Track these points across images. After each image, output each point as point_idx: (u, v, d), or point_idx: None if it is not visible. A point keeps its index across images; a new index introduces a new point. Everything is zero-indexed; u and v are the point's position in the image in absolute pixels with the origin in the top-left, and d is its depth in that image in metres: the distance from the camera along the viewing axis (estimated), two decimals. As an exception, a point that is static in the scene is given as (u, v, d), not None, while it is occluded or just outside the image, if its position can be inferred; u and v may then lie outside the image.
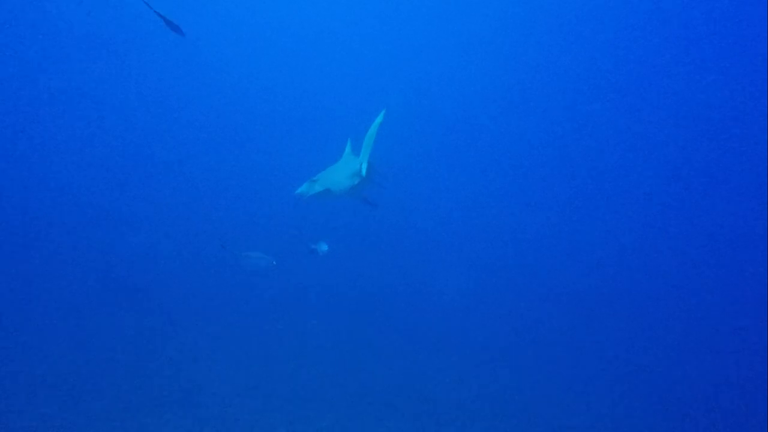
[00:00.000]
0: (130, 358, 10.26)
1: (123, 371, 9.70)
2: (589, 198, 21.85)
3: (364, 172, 7.87)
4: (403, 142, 20.87)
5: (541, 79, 23.33)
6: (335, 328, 12.81)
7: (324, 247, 8.52)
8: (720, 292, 18.11)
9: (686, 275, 18.88)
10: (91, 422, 7.99)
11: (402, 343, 12.54)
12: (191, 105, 21.13)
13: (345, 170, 8.14)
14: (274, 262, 8.80)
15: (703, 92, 21.81)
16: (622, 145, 22.56)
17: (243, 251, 8.98)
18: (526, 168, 22.72)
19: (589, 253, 19.38)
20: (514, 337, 13.82)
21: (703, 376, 12.70)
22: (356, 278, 15.26)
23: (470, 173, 22.36)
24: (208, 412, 8.77)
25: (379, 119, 7.80)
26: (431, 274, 16.58)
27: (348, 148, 8.46)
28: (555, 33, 23.06)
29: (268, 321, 12.79)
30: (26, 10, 19.08)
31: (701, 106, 21.74)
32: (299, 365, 10.91)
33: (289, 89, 23.09)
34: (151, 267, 14.27)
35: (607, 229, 20.68)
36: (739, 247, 19.82)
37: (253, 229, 16.78)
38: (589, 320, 15.35)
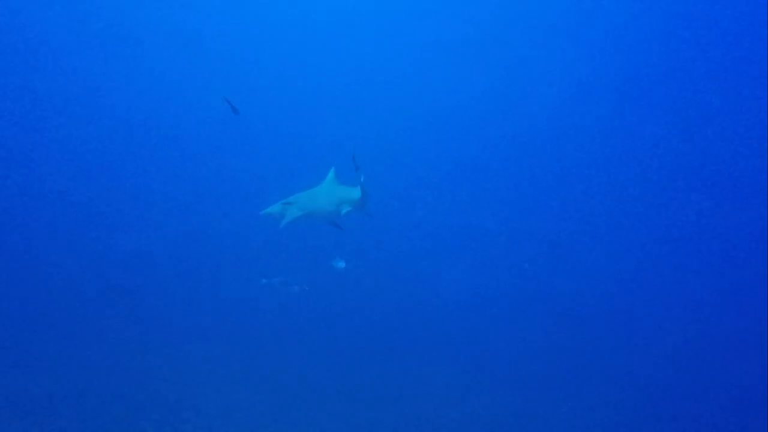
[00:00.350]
0: (119, 362, 10.10)
1: (112, 376, 9.56)
2: (587, 204, 21.81)
3: (355, 199, 8.31)
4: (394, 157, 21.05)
5: (537, 89, 23.34)
6: (331, 337, 12.62)
7: (341, 264, 8.70)
8: (721, 296, 18.02)
9: (687, 278, 18.77)
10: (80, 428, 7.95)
11: (399, 361, 12.19)
12: (182, 110, 21.20)
13: (330, 197, 8.42)
14: (306, 288, 8.85)
15: (702, 95, 21.79)
16: (622, 149, 22.53)
17: (274, 277, 8.97)
18: (521, 176, 22.70)
19: (588, 262, 19.26)
20: (509, 351, 13.52)
21: (703, 380, 12.60)
22: (351, 291, 15.09)
23: (460, 191, 22.25)
24: (199, 420, 8.70)
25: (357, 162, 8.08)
26: (423, 290, 16.46)
27: (331, 175, 8.65)
28: (552, 37, 23.09)
29: (262, 327, 12.63)
30: (23, 10, 19.18)
31: (700, 111, 21.72)
32: (294, 373, 10.71)
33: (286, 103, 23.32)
34: (142, 270, 14.17)
35: (605, 235, 20.62)
36: (741, 253, 19.73)
37: (244, 236, 16.61)
38: (592, 330, 15.16)
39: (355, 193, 8.44)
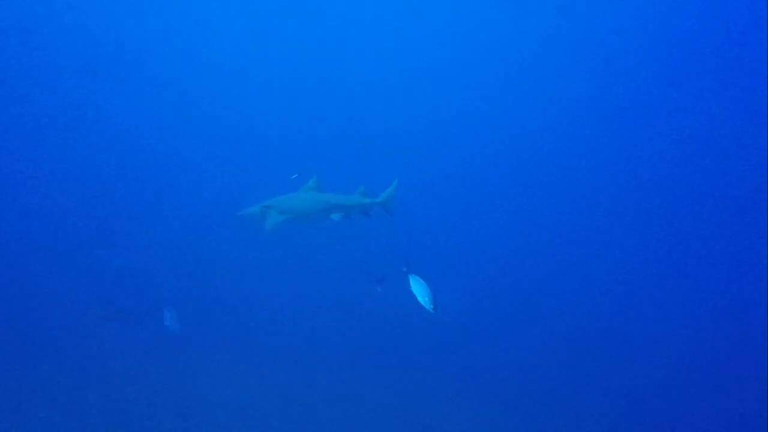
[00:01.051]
0: (119, 381, 9.88)
1: (112, 395, 9.38)
2: (591, 213, 21.66)
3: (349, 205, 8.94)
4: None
5: (536, 98, 23.32)
6: (332, 359, 12.54)
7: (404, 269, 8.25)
8: (721, 300, 17.79)
9: (688, 290, 18.51)
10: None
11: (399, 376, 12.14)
12: (183, 114, 21.36)
13: (315, 204, 8.70)
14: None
15: (702, 100, 21.68)
16: (622, 157, 22.42)
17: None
18: (523, 185, 22.60)
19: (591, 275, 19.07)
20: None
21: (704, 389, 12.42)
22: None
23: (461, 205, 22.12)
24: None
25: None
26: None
27: (312, 183, 8.90)
28: (549, 46, 23.14)
29: (261, 344, 12.55)
30: (18, 28, 19.57)
31: (700, 118, 21.59)
32: (296, 391, 10.56)
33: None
34: (140, 288, 14.14)
35: (609, 244, 20.45)
36: (743, 258, 19.47)
37: (239, 250, 16.60)
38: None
39: (350, 200, 8.87)
